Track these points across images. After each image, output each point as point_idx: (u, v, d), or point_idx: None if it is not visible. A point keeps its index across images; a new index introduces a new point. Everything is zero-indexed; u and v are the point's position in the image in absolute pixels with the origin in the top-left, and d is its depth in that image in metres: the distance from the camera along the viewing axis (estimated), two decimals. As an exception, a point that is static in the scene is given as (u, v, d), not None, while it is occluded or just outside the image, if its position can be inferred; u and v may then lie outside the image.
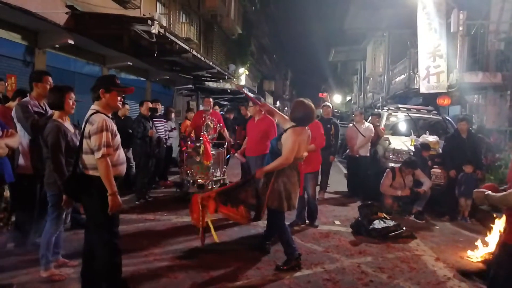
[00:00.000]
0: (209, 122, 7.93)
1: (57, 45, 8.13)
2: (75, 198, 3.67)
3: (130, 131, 7.89)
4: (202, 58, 11.90)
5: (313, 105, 4.54)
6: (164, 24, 9.13)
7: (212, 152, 7.71)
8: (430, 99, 12.82)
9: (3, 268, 4.10)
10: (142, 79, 13.35)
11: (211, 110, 8.30)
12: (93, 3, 8.51)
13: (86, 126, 3.43)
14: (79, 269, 3.72)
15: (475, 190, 2.91)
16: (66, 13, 7.56)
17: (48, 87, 4.61)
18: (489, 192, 2.74)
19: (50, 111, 4.69)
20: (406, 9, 13.09)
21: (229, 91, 18.26)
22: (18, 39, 7.47)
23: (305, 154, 4.75)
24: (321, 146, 6.40)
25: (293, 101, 4.74)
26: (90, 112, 3.51)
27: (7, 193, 3.50)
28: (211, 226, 4.64)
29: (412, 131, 9.64)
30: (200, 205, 4.50)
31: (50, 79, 4.68)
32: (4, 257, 4.30)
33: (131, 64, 11.01)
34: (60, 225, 4.05)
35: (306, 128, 4.60)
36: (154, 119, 8.51)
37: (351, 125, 9.57)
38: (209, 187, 7.59)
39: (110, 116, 3.59)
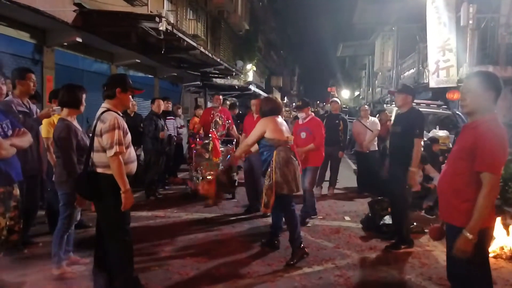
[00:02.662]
0: (218, 119, 7.92)
1: (65, 43, 8.18)
2: (87, 196, 3.69)
3: (141, 129, 7.92)
4: (210, 55, 11.89)
5: (279, 100, 5.07)
6: (172, 21, 9.12)
7: (221, 149, 7.70)
8: (439, 94, 12.71)
9: (17, 266, 4.13)
10: (150, 76, 13.39)
11: (220, 107, 8.28)
12: (100, 1, 8.52)
13: (98, 124, 3.43)
14: (91, 267, 3.75)
15: (456, 250, 2.59)
16: (74, 11, 7.58)
17: (32, 84, 4.57)
18: (468, 230, 2.54)
19: (34, 110, 4.68)
20: (414, 3, 13.00)
21: (236, 87, 18.24)
22: (27, 37, 7.50)
23: (291, 137, 4.88)
24: (320, 145, 6.29)
25: (260, 99, 5.17)
26: (101, 110, 3.52)
27: (16, 191, 3.50)
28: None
29: (421, 126, 9.54)
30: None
31: (33, 76, 4.61)
32: (17, 255, 4.34)
33: (139, 61, 11.03)
34: (71, 224, 4.08)
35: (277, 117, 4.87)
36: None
37: (355, 120, 9.48)
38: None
39: (121, 114, 3.60)
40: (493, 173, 2.53)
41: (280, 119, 4.88)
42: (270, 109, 4.85)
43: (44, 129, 4.79)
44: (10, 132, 3.46)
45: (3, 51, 7.03)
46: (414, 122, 5.13)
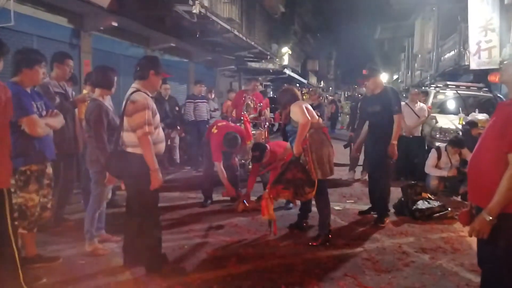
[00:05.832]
0: (249, 102, 7.92)
1: (101, 28, 8.34)
2: (117, 175, 3.80)
3: (176, 112, 8.05)
4: (244, 38, 11.85)
5: (294, 89, 5.17)
6: (205, 4, 9.15)
7: (252, 132, 7.70)
8: (481, 76, 12.18)
9: (51, 242, 4.33)
10: (185, 60, 13.50)
11: (254, 91, 8.24)
12: (135, -15, 8.62)
13: (128, 104, 3.50)
14: (122, 244, 3.88)
15: (471, 229, 2.58)
16: (109, -5, 7.70)
17: (68, 70, 4.75)
18: (486, 211, 2.46)
19: (70, 93, 4.87)
20: (456, -20, 12.44)
21: (271, 71, 18.15)
22: (65, 22, 7.72)
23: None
24: None
25: (278, 93, 5.22)
26: (131, 90, 3.59)
27: (49, 170, 3.65)
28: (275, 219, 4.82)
29: (460, 109, 9.20)
30: (267, 200, 4.61)
31: (71, 62, 4.79)
32: (52, 232, 4.53)
33: (174, 45, 11.14)
34: (103, 202, 4.21)
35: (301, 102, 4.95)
36: (196, 100, 8.68)
37: (403, 103, 9.12)
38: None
39: (150, 95, 3.66)
40: None
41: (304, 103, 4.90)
42: (290, 98, 4.88)
43: (80, 110, 4.99)
44: (44, 113, 3.60)
45: (42, 36, 7.27)
46: (391, 100, 5.41)
